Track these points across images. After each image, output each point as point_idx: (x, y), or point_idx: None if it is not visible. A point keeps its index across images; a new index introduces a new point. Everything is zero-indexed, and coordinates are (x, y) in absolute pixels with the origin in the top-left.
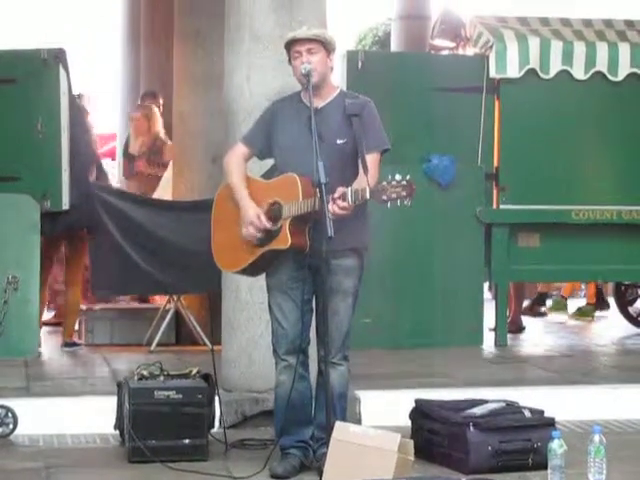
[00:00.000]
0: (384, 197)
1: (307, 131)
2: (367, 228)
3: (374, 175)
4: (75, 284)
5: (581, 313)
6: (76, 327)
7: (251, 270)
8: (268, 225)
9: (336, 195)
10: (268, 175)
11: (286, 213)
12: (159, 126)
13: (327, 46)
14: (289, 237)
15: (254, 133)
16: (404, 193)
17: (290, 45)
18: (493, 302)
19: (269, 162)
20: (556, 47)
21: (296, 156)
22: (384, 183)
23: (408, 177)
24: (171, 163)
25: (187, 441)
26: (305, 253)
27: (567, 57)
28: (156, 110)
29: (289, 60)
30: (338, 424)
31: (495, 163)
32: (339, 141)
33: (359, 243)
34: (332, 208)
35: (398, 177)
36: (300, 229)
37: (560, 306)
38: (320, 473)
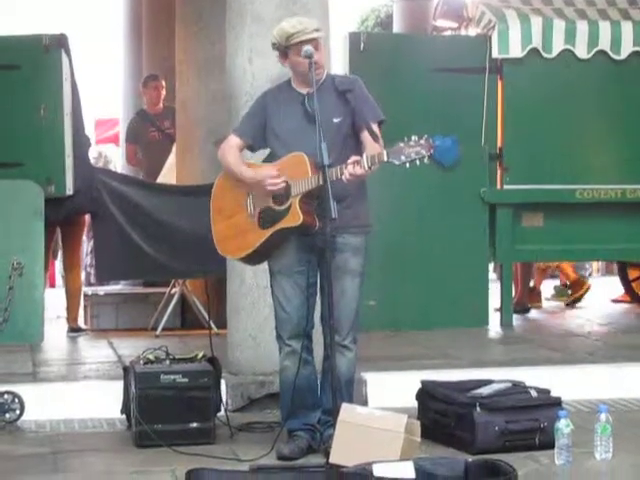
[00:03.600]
0: (403, 157)
1: (302, 115)
2: (368, 207)
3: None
4: (74, 269)
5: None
6: (81, 312)
7: (258, 254)
8: (277, 171)
9: (350, 161)
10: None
11: (295, 191)
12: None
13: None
14: (300, 214)
15: (246, 124)
16: (423, 152)
17: (295, 40)
18: (498, 282)
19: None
20: (559, 26)
21: (295, 141)
22: (400, 144)
23: (425, 136)
24: (174, 148)
25: (194, 424)
26: (312, 234)
27: (570, 36)
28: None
29: (286, 51)
30: (345, 405)
31: (499, 143)
32: (335, 119)
33: (364, 221)
34: (346, 172)
35: (415, 138)
36: (309, 206)
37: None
38: (327, 454)
